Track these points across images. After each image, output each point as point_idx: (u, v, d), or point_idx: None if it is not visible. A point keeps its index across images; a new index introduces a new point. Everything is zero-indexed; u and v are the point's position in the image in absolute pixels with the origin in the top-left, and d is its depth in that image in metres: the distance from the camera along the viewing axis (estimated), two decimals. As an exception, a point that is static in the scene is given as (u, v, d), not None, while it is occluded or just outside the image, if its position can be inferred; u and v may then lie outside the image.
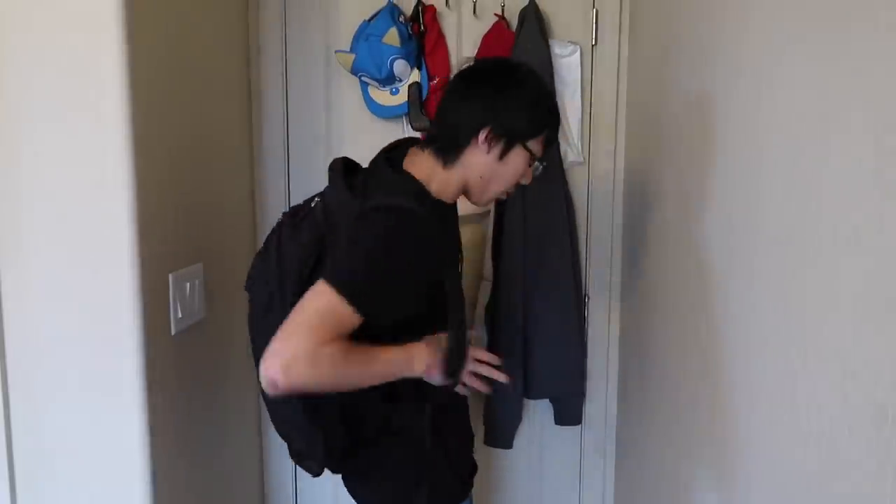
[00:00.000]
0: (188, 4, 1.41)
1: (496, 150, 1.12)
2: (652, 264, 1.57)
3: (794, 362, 0.85)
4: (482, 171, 1.14)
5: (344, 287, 0.99)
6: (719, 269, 1.13)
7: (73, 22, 1.13)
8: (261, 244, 1.18)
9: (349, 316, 0.99)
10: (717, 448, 1.13)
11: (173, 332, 1.32)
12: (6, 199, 1.18)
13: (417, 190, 1.10)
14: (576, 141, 1.82)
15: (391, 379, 1.09)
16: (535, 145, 1.15)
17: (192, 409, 1.44)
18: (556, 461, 1.99)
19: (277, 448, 1.94)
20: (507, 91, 1.12)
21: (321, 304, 0.99)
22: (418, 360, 1.10)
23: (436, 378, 1.12)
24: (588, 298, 1.91)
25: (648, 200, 1.61)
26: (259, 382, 1.00)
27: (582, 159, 1.85)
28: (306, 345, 0.96)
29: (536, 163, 1.17)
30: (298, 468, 1.94)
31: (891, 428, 0.64)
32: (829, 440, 0.76)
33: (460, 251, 1.22)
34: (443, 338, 1.12)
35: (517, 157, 1.14)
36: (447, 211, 1.17)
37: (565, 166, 1.82)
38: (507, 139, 1.12)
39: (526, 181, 1.19)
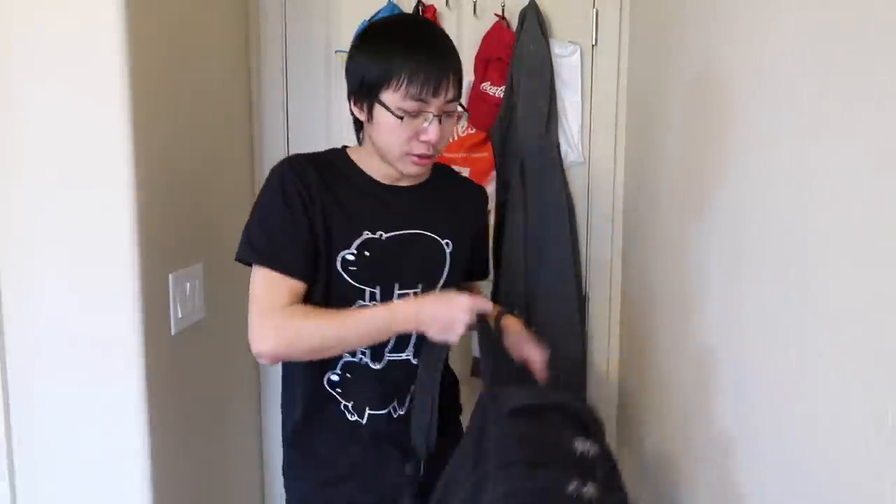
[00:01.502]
0: (188, 4, 1.41)
1: (365, 114, 1.10)
2: (652, 264, 1.57)
3: (794, 362, 0.85)
4: (372, 138, 1.12)
5: (251, 256, 1.11)
6: (719, 268, 1.13)
7: (73, 21, 1.13)
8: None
9: (280, 280, 1.09)
10: (716, 448, 1.13)
11: (173, 332, 1.32)
12: (6, 199, 1.18)
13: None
14: (576, 141, 1.82)
15: (384, 335, 1.10)
16: (391, 97, 1.05)
17: (192, 408, 1.44)
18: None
19: (277, 448, 1.94)
20: (355, 52, 1.10)
21: (254, 282, 1.11)
22: (406, 315, 1.08)
23: (433, 335, 1.09)
24: (588, 298, 1.91)
25: (648, 200, 1.61)
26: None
27: (582, 159, 1.85)
28: (265, 319, 1.08)
29: (458, 108, 1.11)
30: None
31: (891, 428, 0.64)
32: (829, 440, 0.76)
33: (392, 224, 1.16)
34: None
35: (380, 114, 1.07)
36: (351, 173, 1.16)
37: (565, 166, 1.82)
38: (367, 99, 1.08)
39: (427, 136, 1.07)
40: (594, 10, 1.81)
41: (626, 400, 1.86)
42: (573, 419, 1.01)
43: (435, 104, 1.06)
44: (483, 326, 1.10)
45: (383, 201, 1.16)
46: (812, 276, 0.81)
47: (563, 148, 1.81)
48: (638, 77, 1.75)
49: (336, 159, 1.18)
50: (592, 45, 1.83)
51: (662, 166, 1.49)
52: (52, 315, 1.20)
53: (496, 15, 1.78)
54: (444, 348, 1.10)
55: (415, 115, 1.06)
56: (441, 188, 1.24)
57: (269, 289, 1.09)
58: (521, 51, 1.73)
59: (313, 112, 1.85)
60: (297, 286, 1.10)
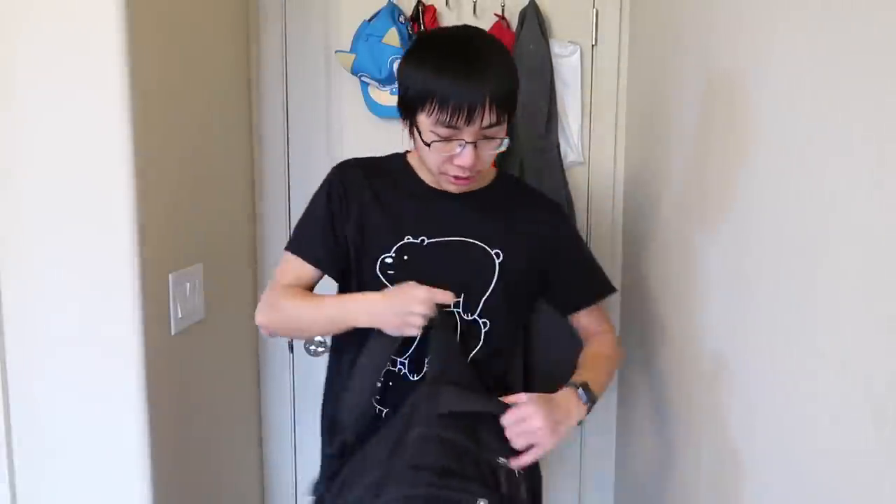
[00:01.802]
0: (188, 4, 1.41)
1: (407, 129, 1.09)
2: (652, 264, 1.57)
3: (794, 363, 0.85)
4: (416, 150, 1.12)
5: (289, 241, 1.20)
6: (720, 268, 1.13)
7: (73, 21, 1.13)
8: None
9: (293, 261, 1.16)
10: (716, 447, 1.13)
11: (173, 332, 1.32)
12: (7, 199, 1.18)
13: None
14: (576, 141, 1.82)
15: (339, 325, 1.11)
16: (424, 120, 1.03)
17: (192, 408, 1.44)
18: (555, 461, 1.99)
19: (277, 447, 1.94)
20: (402, 63, 1.08)
21: (280, 263, 1.20)
22: (358, 308, 1.07)
23: (389, 329, 1.05)
24: (588, 298, 1.90)
25: (649, 200, 1.61)
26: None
27: (582, 159, 1.85)
28: (267, 293, 1.16)
29: (503, 140, 1.05)
30: (298, 468, 1.95)
31: (891, 428, 0.64)
32: (829, 440, 0.76)
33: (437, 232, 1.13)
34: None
35: (416, 134, 1.06)
36: (403, 177, 1.18)
37: (565, 166, 1.82)
38: (406, 116, 1.07)
39: (460, 161, 1.04)
40: (594, 10, 1.81)
41: (628, 400, 1.86)
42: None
43: (469, 132, 1.01)
44: (441, 320, 1.04)
45: (432, 206, 1.14)
46: (814, 277, 0.81)
47: (563, 148, 1.81)
48: (638, 77, 1.75)
49: (392, 164, 1.20)
50: (592, 45, 1.83)
51: (663, 166, 1.49)
52: (52, 315, 1.20)
53: (496, 15, 1.78)
54: (394, 340, 1.05)
55: (448, 139, 1.03)
56: (501, 197, 1.20)
57: (282, 269, 1.18)
58: (521, 51, 1.73)
59: (313, 112, 1.85)
60: (306, 269, 1.15)
